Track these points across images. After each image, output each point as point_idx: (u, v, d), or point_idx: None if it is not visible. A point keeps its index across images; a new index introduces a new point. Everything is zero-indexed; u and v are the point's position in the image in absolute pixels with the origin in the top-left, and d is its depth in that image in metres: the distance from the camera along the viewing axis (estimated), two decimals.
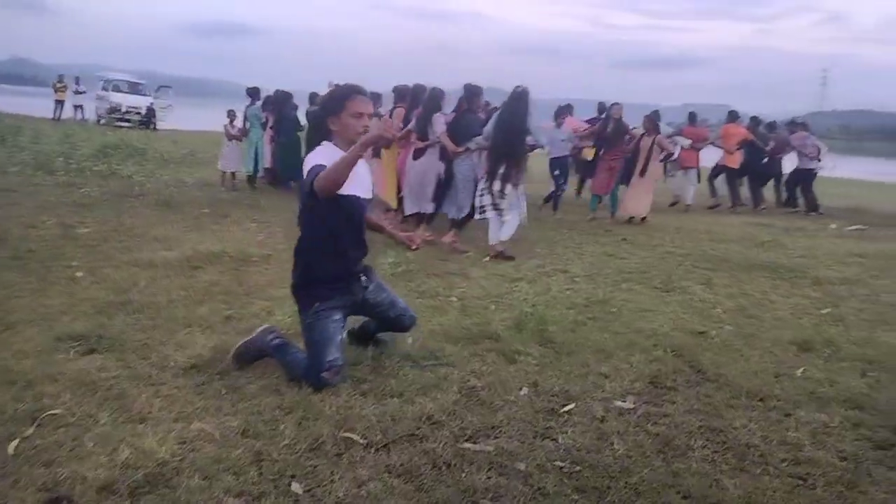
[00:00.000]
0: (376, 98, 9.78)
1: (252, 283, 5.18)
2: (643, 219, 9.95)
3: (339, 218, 3.36)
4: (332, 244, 3.42)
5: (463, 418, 3.00)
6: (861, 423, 3.21)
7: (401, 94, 8.94)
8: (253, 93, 11.42)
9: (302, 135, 11.39)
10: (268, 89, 12.23)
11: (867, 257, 7.83)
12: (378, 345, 3.86)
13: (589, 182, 11.64)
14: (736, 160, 12.57)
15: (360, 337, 3.90)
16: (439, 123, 7.25)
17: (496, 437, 2.85)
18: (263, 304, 4.69)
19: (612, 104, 10.46)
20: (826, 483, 2.61)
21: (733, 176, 12.92)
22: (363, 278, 3.59)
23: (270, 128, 11.30)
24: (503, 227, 6.87)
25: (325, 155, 3.24)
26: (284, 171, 11.26)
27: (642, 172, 9.99)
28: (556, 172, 10.36)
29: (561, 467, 2.62)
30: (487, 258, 6.66)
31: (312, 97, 11.52)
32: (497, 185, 6.77)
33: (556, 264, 6.61)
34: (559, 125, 10.78)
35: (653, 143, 9.93)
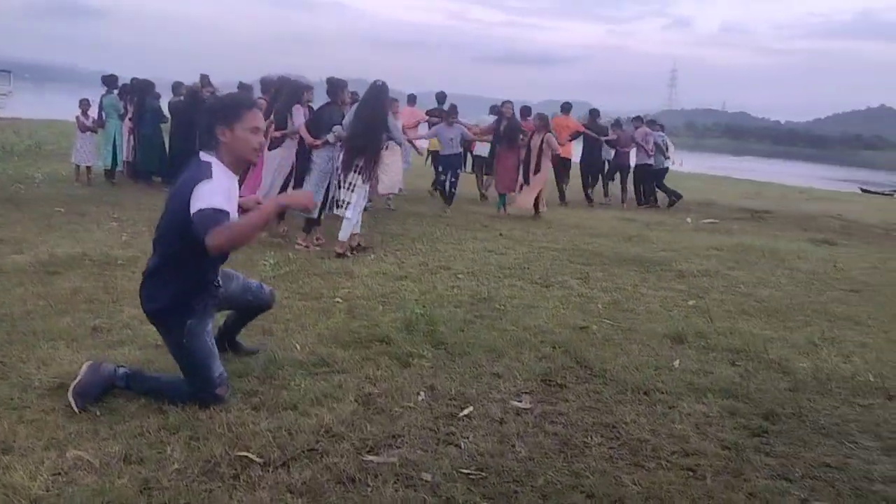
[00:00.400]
0: (247, 89, 9.41)
1: (119, 289, 4.82)
2: (537, 213, 10.32)
3: None
4: (202, 271, 3.08)
5: (363, 429, 2.92)
6: (736, 411, 3.42)
7: (266, 85, 8.64)
8: (109, 81, 10.67)
9: (165, 127, 10.79)
10: (124, 77, 11.49)
11: (723, 250, 8.40)
12: (239, 352, 3.68)
13: (487, 180, 11.93)
14: (568, 151, 12.86)
15: (226, 344, 3.63)
16: (298, 115, 7.14)
17: (399, 447, 2.79)
18: (133, 311, 4.35)
19: (504, 102, 10.62)
20: (714, 473, 2.75)
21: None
22: (217, 280, 3.24)
23: (129, 119, 10.61)
24: (344, 225, 6.67)
25: (219, 188, 2.83)
26: (146, 164, 10.64)
27: (536, 170, 10.26)
28: (440, 169, 10.44)
29: (467, 474, 2.61)
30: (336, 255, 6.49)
31: (176, 87, 10.93)
32: (350, 178, 6.63)
33: (439, 261, 6.62)
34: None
35: (542, 142, 10.22)
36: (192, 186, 2.81)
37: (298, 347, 3.85)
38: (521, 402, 3.35)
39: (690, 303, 5.66)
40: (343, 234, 6.61)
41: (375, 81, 6.79)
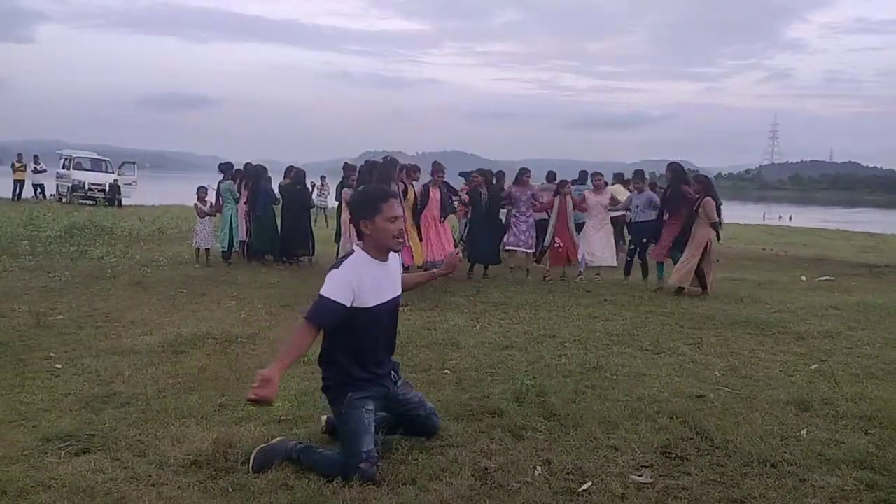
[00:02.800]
0: (352, 169, 9.85)
1: (242, 366, 5.05)
2: (704, 291, 9.06)
3: (368, 328, 3.34)
4: (362, 351, 3.37)
5: None
6: (874, 484, 3.20)
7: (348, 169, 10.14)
8: (226, 168, 11.42)
9: (277, 208, 11.39)
10: (236, 162, 12.25)
11: (842, 309, 7.98)
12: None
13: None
14: None
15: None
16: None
17: None
18: None
19: (671, 165, 10.10)
20: None
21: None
22: (393, 374, 3.57)
23: (244, 202, 11.26)
24: None
25: (342, 281, 3.24)
26: (260, 244, 11.20)
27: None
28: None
29: None
30: None
31: (288, 171, 11.56)
32: None
33: (543, 329, 6.59)
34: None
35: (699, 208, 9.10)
36: (331, 269, 3.31)
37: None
38: (641, 476, 3.26)
39: (813, 367, 5.38)
40: None
41: (384, 157, 8.86)
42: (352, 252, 3.37)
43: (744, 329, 6.75)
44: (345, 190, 10.12)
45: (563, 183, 10.70)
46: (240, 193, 11.30)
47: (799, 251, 16.68)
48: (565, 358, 5.50)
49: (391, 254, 3.44)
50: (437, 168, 10.17)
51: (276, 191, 11.43)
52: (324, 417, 3.79)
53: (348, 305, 3.21)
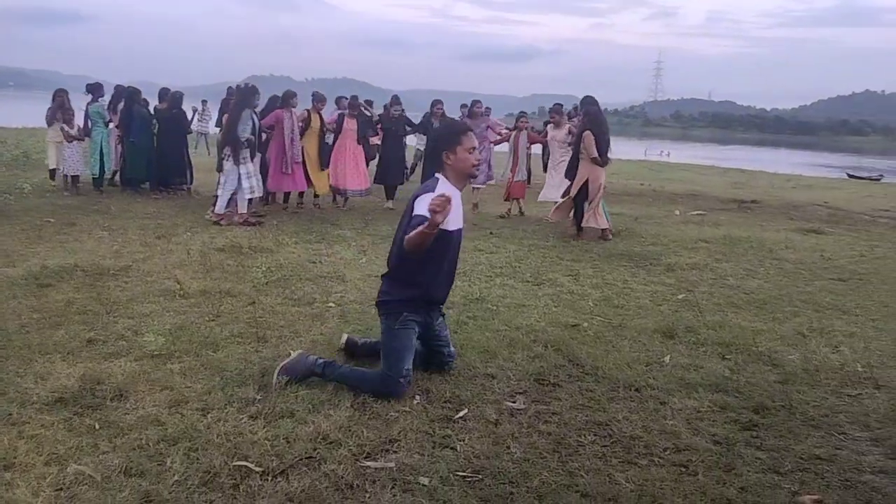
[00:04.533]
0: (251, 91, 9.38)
1: (112, 300, 4.83)
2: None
3: (446, 251, 3.53)
4: (435, 269, 3.54)
5: (360, 435, 2.96)
6: (727, 405, 3.47)
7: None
8: (94, 89, 10.62)
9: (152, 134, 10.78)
10: (108, 83, 11.45)
11: (711, 242, 8.47)
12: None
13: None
14: None
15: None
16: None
17: (396, 452, 2.83)
18: (128, 322, 4.40)
19: (585, 98, 9.93)
20: (706, 468, 2.80)
21: None
22: (441, 309, 3.76)
23: (116, 126, 10.58)
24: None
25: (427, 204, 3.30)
26: (134, 172, 10.60)
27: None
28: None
29: (464, 477, 2.65)
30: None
31: (162, 94, 10.92)
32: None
33: None
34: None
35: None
36: (419, 195, 3.42)
37: (293, 354, 3.87)
38: (515, 402, 3.39)
39: (680, 297, 5.72)
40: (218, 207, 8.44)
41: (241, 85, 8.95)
42: (435, 178, 3.56)
43: (619, 261, 7.06)
44: (225, 115, 9.74)
45: (521, 116, 10.64)
46: (111, 118, 10.59)
47: (675, 187, 17.49)
48: None
49: (457, 196, 3.55)
50: (319, 97, 10.16)
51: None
52: (344, 336, 4.00)
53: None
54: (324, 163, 10.06)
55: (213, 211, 8.60)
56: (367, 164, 10.75)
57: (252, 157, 8.69)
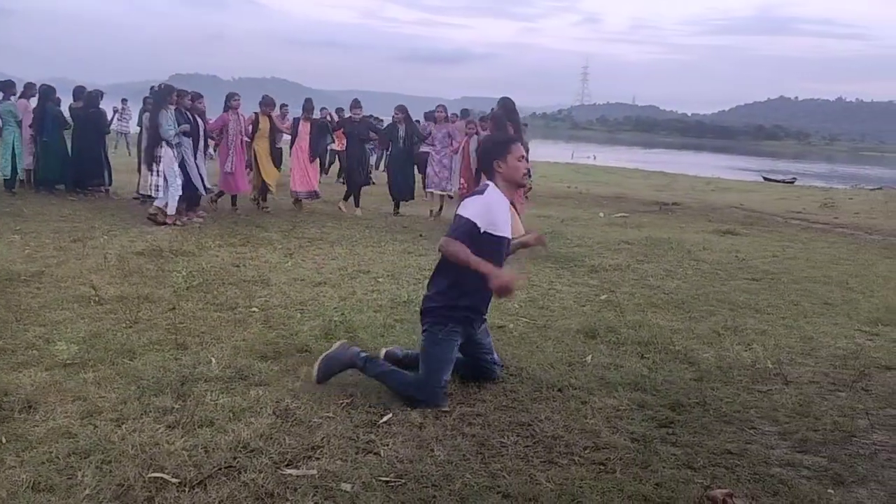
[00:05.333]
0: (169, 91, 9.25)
1: (23, 307, 4.63)
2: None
3: (494, 257, 3.45)
4: (471, 282, 3.45)
5: (282, 442, 2.91)
6: (645, 403, 3.57)
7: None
8: (6, 87, 10.15)
9: (67, 134, 10.38)
10: (19, 81, 10.95)
11: (633, 243, 8.70)
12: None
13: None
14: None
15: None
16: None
17: (318, 459, 2.80)
18: (39, 330, 4.22)
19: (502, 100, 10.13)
20: (623, 466, 2.87)
21: None
22: (483, 314, 3.71)
23: (29, 126, 10.13)
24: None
25: (488, 204, 3.46)
26: (48, 173, 10.18)
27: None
28: None
29: (386, 482, 2.64)
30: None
31: (78, 92, 10.52)
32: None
33: (358, 265, 6.62)
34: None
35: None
36: (470, 197, 3.54)
37: (214, 361, 3.79)
38: (441, 405, 3.40)
39: (603, 297, 5.85)
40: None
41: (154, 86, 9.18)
42: (486, 184, 3.61)
43: (545, 263, 7.17)
44: (145, 114, 9.63)
45: (471, 122, 10.58)
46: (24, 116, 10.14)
47: (601, 189, 17.91)
48: (377, 293, 5.57)
49: (510, 208, 3.64)
50: (268, 101, 10.14)
51: (67, 114, 10.38)
52: (383, 350, 3.94)
53: (481, 229, 3.40)
54: (276, 164, 10.24)
55: (154, 209, 8.42)
56: (326, 170, 10.98)
57: (195, 157, 8.83)
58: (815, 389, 3.94)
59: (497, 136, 3.92)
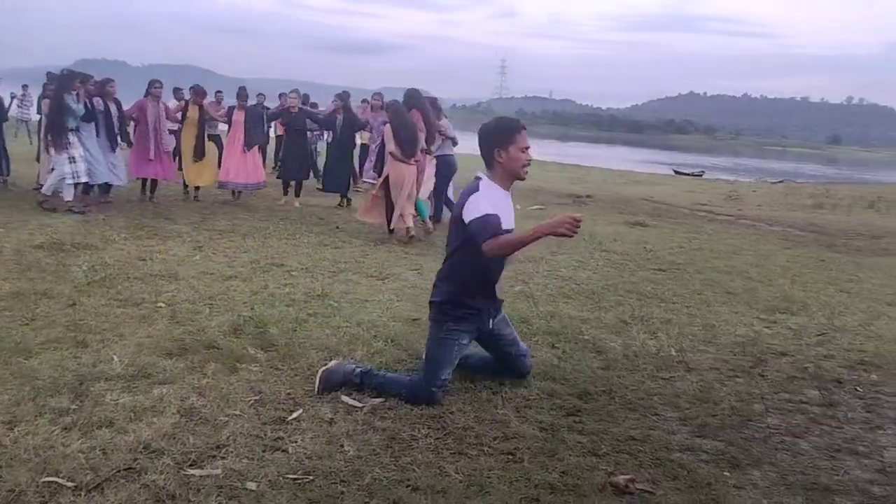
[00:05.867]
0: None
1: None
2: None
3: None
4: (482, 275, 3.46)
5: (185, 442, 2.83)
6: (554, 392, 3.65)
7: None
8: None
9: None
10: None
11: None
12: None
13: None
14: None
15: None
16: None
17: (223, 458, 2.73)
18: None
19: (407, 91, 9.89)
20: (531, 455, 2.92)
21: None
22: (493, 310, 3.59)
23: None
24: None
25: (489, 199, 3.30)
26: None
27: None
28: None
29: (294, 480, 2.60)
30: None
31: None
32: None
33: (271, 258, 6.49)
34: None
35: None
36: (465, 199, 3.34)
37: (116, 359, 3.65)
38: (351, 399, 3.38)
39: (516, 288, 5.93)
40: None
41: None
42: (478, 179, 3.42)
43: None
44: (44, 101, 9.24)
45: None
46: None
47: (519, 181, 18.14)
48: (290, 287, 5.48)
49: (508, 196, 3.52)
50: (199, 90, 10.12)
51: None
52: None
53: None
54: (199, 155, 10.00)
55: (42, 196, 8.35)
56: (264, 157, 10.87)
57: (99, 144, 8.66)
58: (715, 375, 4.12)
59: (502, 122, 3.55)
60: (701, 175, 31.74)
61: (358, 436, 3.01)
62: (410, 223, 7.91)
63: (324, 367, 3.51)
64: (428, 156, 8.39)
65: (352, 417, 3.20)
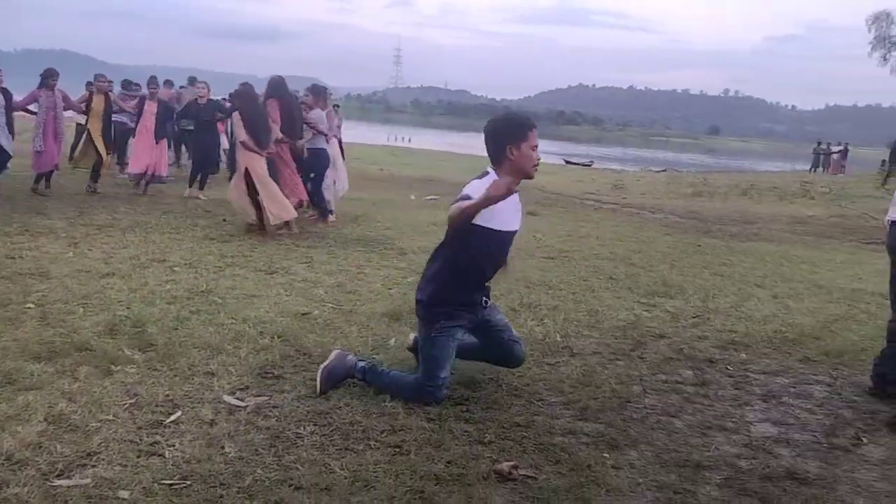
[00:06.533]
0: None
1: None
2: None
3: (490, 250, 3.37)
4: (472, 274, 3.41)
5: (52, 451, 2.66)
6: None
7: None
8: None
9: None
10: None
11: (440, 225, 8.85)
12: None
13: None
14: None
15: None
16: None
17: (94, 466, 2.59)
18: None
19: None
20: (418, 446, 2.93)
21: None
22: (483, 299, 3.53)
23: None
24: None
25: (479, 187, 3.15)
26: None
27: None
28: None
29: (170, 485, 2.50)
30: None
31: None
32: None
33: (153, 253, 6.22)
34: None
35: None
36: (469, 184, 3.28)
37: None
38: (234, 399, 3.28)
39: (410, 280, 5.92)
40: None
41: None
42: (486, 173, 3.31)
43: (354, 246, 7.16)
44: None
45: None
46: None
47: (414, 172, 18.21)
48: (172, 283, 5.26)
49: (515, 197, 3.36)
50: (102, 79, 10.00)
51: None
52: (412, 335, 3.85)
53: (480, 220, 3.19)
54: (107, 145, 9.80)
55: None
56: (171, 148, 10.63)
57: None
58: (598, 359, 4.27)
59: (514, 118, 3.44)
60: (590, 165, 32.84)
61: (240, 436, 2.92)
62: (287, 218, 7.56)
63: (323, 365, 3.43)
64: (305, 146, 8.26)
65: (234, 418, 3.11)
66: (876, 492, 2.87)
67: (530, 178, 3.45)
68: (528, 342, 4.42)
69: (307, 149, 8.39)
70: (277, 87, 7.97)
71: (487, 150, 3.40)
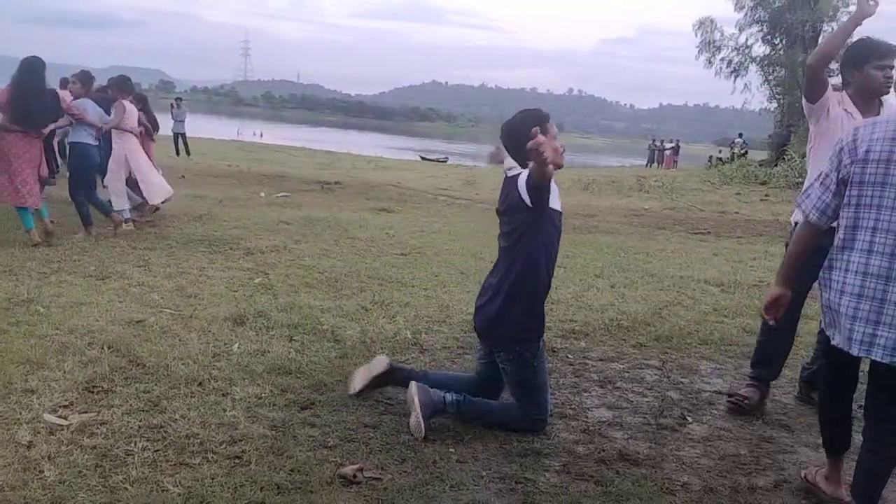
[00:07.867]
0: None
1: None
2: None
3: (555, 235, 3.23)
4: (550, 267, 3.26)
5: None
6: (288, 387, 3.57)
7: None
8: None
9: None
10: None
11: (292, 223, 8.71)
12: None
13: None
14: None
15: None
16: None
17: None
18: None
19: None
20: (259, 456, 2.82)
21: None
22: None
23: None
24: None
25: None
26: None
27: None
28: None
29: None
30: None
31: None
32: None
33: None
34: None
35: None
36: (514, 184, 3.17)
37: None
38: (55, 417, 3.02)
39: (256, 280, 5.74)
40: None
41: None
42: (516, 171, 3.22)
43: (197, 247, 6.84)
44: None
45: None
46: None
47: (264, 168, 17.68)
48: None
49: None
50: None
51: None
52: (381, 357, 3.60)
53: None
54: None
55: None
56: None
57: None
58: (446, 354, 4.32)
59: (531, 116, 3.31)
60: (445, 161, 33.37)
61: (61, 458, 2.69)
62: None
63: (418, 409, 3.13)
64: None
65: (55, 438, 2.86)
66: (699, 468, 3.09)
67: (560, 167, 3.34)
68: (378, 341, 4.43)
69: (70, 143, 7.51)
70: (21, 69, 6.73)
71: (508, 151, 3.32)
